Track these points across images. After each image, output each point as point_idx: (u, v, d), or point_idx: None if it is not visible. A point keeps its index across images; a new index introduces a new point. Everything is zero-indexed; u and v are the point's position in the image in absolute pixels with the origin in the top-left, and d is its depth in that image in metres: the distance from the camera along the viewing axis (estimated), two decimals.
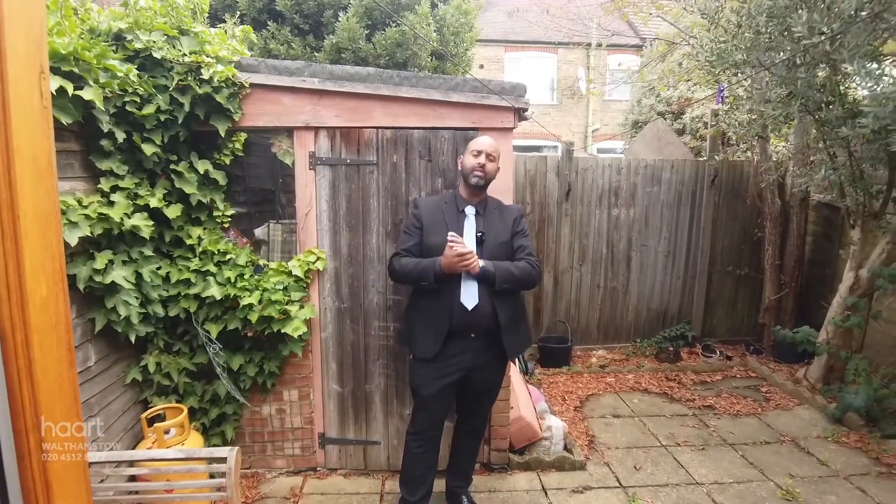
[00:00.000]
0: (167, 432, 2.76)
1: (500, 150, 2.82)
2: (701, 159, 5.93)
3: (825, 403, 4.44)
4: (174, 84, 2.78)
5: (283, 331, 3.04)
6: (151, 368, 2.98)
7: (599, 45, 13.19)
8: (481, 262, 2.60)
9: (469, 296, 2.63)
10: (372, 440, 3.44)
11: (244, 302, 2.96)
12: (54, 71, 2.28)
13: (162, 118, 2.76)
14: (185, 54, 2.82)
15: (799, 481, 3.47)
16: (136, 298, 2.72)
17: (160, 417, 2.91)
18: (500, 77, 16.07)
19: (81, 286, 2.47)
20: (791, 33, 3.78)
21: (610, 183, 5.60)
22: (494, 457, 3.51)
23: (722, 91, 5.35)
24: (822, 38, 3.44)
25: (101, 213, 2.52)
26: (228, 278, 2.99)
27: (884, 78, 3.33)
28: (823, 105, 3.95)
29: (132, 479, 2.59)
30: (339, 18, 6.30)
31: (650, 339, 5.89)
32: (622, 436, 4.10)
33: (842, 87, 3.94)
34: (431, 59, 6.91)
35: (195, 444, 2.90)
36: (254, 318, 2.98)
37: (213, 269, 2.98)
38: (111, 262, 2.59)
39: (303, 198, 3.17)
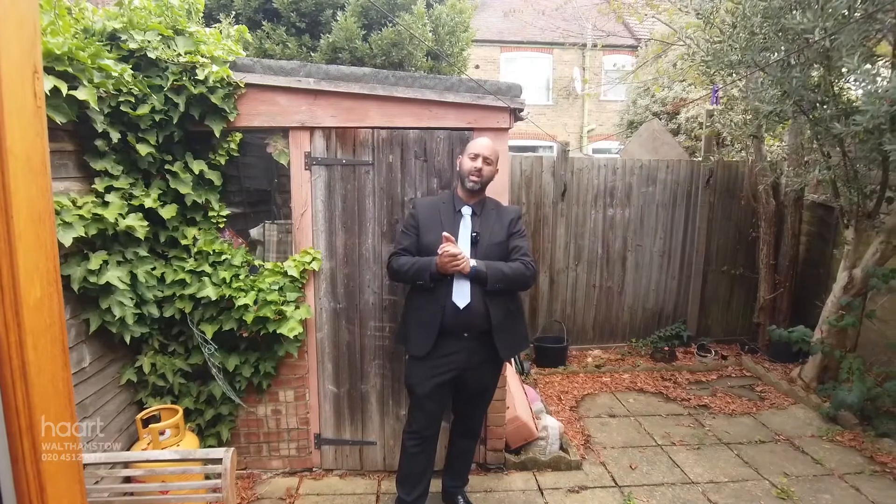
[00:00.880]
0: (162, 433, 2.76)
1: (498, 151, 2.82)
2: (696, 159, 5.95)
3: (820, 402, 4.46)
4: (169, 84, 2.77)
5: (278, 331, 3.03)
6: (146, 369, 2.97)
7: (595, 45, 13.23)
8: (473, 262, 2.61)
9: (461, 295, 2.64)
10: (368, 440, 3.44)
11: (239, 302, 2.95)
12: (48, 71, 2.27)
13: (157, 118, 2.75)
14: (179, 54, 2.81)
15: (794, 480, 3.49)
16: (131, 299, 2.71)
17: (155, 418, 2.91)
18: (495, 77, 16.08)
19: (76, 287, 2.46)
20: (786, 34, 3.80)
21: (605, 183, 5.62)
22: (491, 457, 3.51)
23: (717, 91, 5.37)
24: (819, 36, 3.46)
25: (95, 214, 2.51)
26: (224, 279, 2.98)
27: (878, 78, 3.35)
28: (818, 104, 3.97)
29: (127, 480, 2.59)
30: (337, 18, 6.29)
31: (646, 338, 5.91)
32: (618, 435, 4.11)
33: (836, 87, 3.96)
34: (427, 59, 6.91)
35: (190, 446, 2.89)
36: (249, 318, 2.97)
37: (208, 269, 2.97)
38: (106, 262, 2.58)
39: (298, 198, 3.17)
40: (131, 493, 2.45)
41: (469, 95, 3.13)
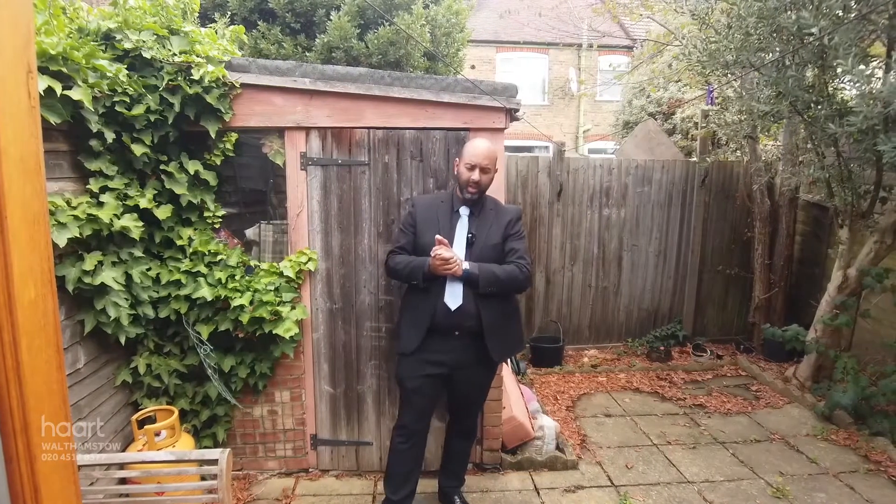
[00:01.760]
0: (158, 434, 2.75)
1: (496, 153, 2.76)
2: (691, 160, 5.97)
3: (815, 401, 4.48)
4: (164, 84, 2.76)
5: (274, 332, 3.03)
6: (142, 370, 2.96)
7: (590, 45, 13.26)
8: (466, 265, 2.60)
9: (453, 297, 2.65)
10: (364, 441, 3.44)
11: (235, 303, 2.95)
12: (42, 70, 2.26)
13: (152, 118, 2.74)
14: (175, 54, 2.81)
15: (789, 479, 3.50)
16: (126, 300, 2.70)
17: (151, 419, 2.90)
18: (491, 77, 16.10)
19: (70, 287, 2.45)
20: (781, 34, 3.81)
21: (601, 183, 5.63)
22: (487, 457, 3.51)
23: (711, 92, 5.39)
24: (814, 37, 3.47)
25: (90, 214, 2.50)
26: (219, 279, 2.97)
27: (872, 79, 3.37)
28: (812, 105, 3.99)
29: (122, 481, 2.58)
30: (331, 17, 6.28)
31: (641, 338, 5.92)
32: (614, 435, 4.12)
33: (830, 88, 3.98)
34: (424, 60, 6.91)
35: (186, 446, 2.88)
36: (245, 319, 2.97)
37: (203, 270, 2.97)
38: (100, 263, 2.58)
39: (294, 198, 3.16)
40: (127, 495, 2.45)
41: (465, 96, 3.13)
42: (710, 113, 5.95)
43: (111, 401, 2.89)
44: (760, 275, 5.70)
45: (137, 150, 2.72)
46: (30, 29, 0.94)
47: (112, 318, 2.63)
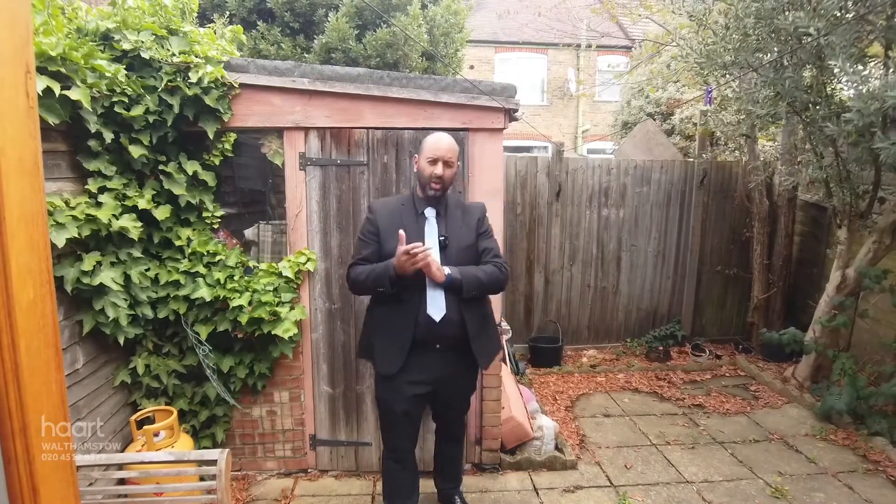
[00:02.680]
0: (157, 435, 2.74)
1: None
2: (690, 160, 5.97)
3: (813, 401, 4.48)
4: (163, 85, 2.76)
5: (273, 332, 3.03)
6: (140, 370, 2.96)
7: (589, 46, 13.25)
8: (447, 269, 2.39)
9: (436, 307, 2.44)
10: (363, 441, 3.44)
11: (234, 303, 2.94)
12: (41, 71, 2.26)
13: (150, 119, 2.75)
14: (173, 54, 2.81)
15: (788, 479, 3.50)
16: (125, 300, 2.70)
17: (149, 420, 2.89)
18: (490, 78, 16.09)
19: (69, 288, 2.45)
20: (778, 35, 3.82)
21: (600, 183, 5.63)
22: (486, 457, 3.51)
23: (710, 92, 5.40)
24: (811, 38, 3.48)
25: (88, 215, 2.50)
26: (218, 280, 2.97)
27: (870, 79, 3.37)
28: (810, 105, 4.00)
29: (121, 482, 2.58)
30: (330, 18, 6.29)
31: (640, 338, 5.93)
32: (613, 435, 4.12)
33: (828, 88, 3.99)
34: (422, 60, 6.91)
35: (185, 447, 2.88)
36: (244, 319, 2.97)
37: (202, 270, 2.96)
38: (99, 263, 2.57)
39: (293, 198, 3.16)
40: (125, 495, 2.45)
41: (464, 96, 3.13)
42: (709, 113, 5.95)
43: (110, 401, 2.89)
44: (759, 275, 5.70)
45: (136, 150, 2.72)
46: (28, 29, 0.94)
47: (111, 319, 2.63)
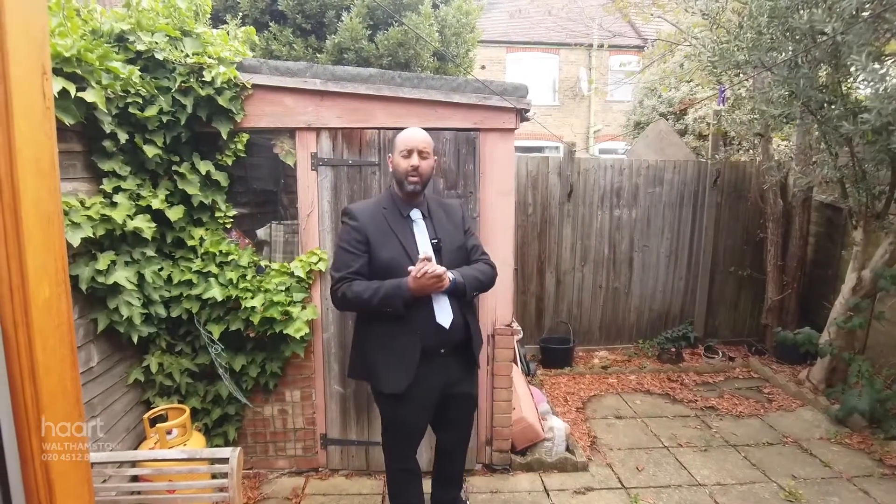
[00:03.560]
0: (169, 433, 2.77)
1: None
2: (703, 160, 5.92)
3: (828, 405, 4.43)
4: (176, 86, 2.78)
5: (285, 332, 3.04)
6: (154, 369, 2.98)
7: (601, 45, 13.19)
8: (450, 275, 2.29)
9: (444, 314, 2.37)
10: (374, 441, 3.44)
11: (246, 303, 2.96)
12: (57, 72, 2.29)
13: (164, 119, 2.77)
14: (187, 56, 2.83)
15: (802, 483, 3.46)
16: (139, 299, 2.73)
17: (162, 418, 2.92)
18: (501, 78, 16.07)
19: (84, 287, 2.48)
20: (793, 33, 3.77)
21: (612, 184, 5.60)
22: (496, 458, 3.50)
23: (723, 92, 5.35)
24: (826, 36, 3.44)
25: (103, 214, 2.52)
26: (230, 279, 2.99)
27: (887, 77, 3.33)
28: (825, 104, 3.95)
29: (134, 479, 2.60)
30: (342, 19, 6.31)
31: (652, 339, 5.89)
32: (624, 437, 4.09)
33: (844, 87, 3.94)
34: (433, 60, 6.92)
35: (197, 445, 2.90)
36: (256, 319, 2.98)
37: (215, 270, 2.98)
38: (113, 262, 2.60)
39: (305, 198, 3.18)
40: (138, 492, 2.46)
41: (475, 96, 3.12)
42: (723, 113, 5.90)
43: (123, 399, 2.92)
44: (773, 276, 5.64)
45: (150, 150, 2.74)
46: (44, 31, 0.95)
47: (125, 318, 2.66)
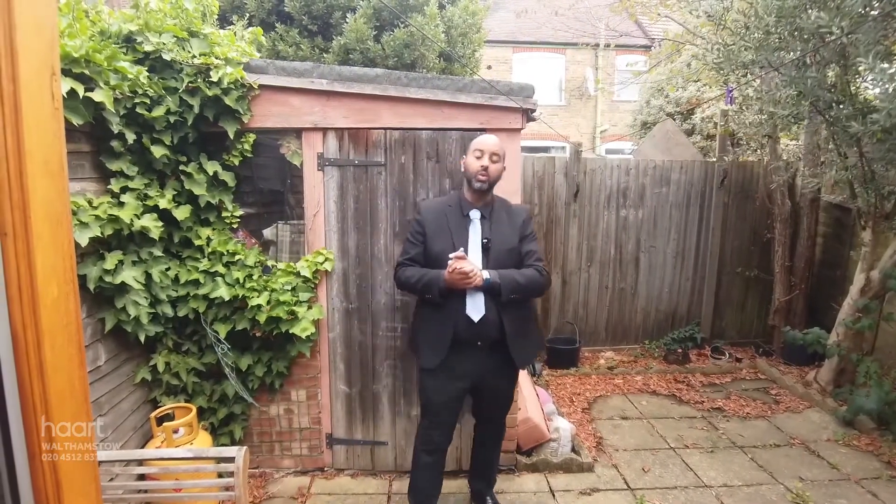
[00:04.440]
0: (176, 432, 2.78)
1: (506, 148, 2.71)
2: (710, 160, 5.90)
3: (836, 406, 4.40)
4: (184, 86, 2.79)
5: (291, 331, 3.05)
6: (160, 368, 2.99)
7: (608, 45, 13.17)
8: (486, 274, 2.49)
9: (475, 308, 2.55)
10: (379, 441, 3.45)
11: (252, 302, 2.97)
12: (65, 73, 2.30)
13: (171, 120, 2.78)
14: (194, 56, 2.84)
15: (809, 484, 3.45)
16: (146, 298, 2.74)
17: (169, 417, 2.93)
18: (508, 78, 16.05)
19: (92, 286, 2.49)
20: (801, 33, 3.75)
21: (618, 184, 5.59)
22: (502, 458, 3.48)
23: (731, 92, 5.32)
24: (834, 36, 3.42)
25: (111, 214, 2.53)
26: (237, 279, 3.00)
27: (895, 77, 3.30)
28: (834, 104, 3.92)
29: (141, 478, 2.61)
30: (347, 19, 6.32)
31: (658, 340, 5.87)
32: (630, 438, 4.08)
33: (852, 87, 3.91)
34: (439, 61, 6.91)
35: (204, 444, 2.91)
36: (262, 318, 2.99)
37: (221, 269, 2.99)
38: (121, 262, 2.61)
39: (311, 199, 3.18)
40: (145, 491, 2.48)
41: (481, 96, 3.12)
42: (730, 113, 5.87)
43: (131, 398, 2.93)
44: (780, 277, 5.61)
45: (157, 151, 2.75)
46: (54, 32, 0.96)
47: (132, 317, 2.67)
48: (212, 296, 2.96)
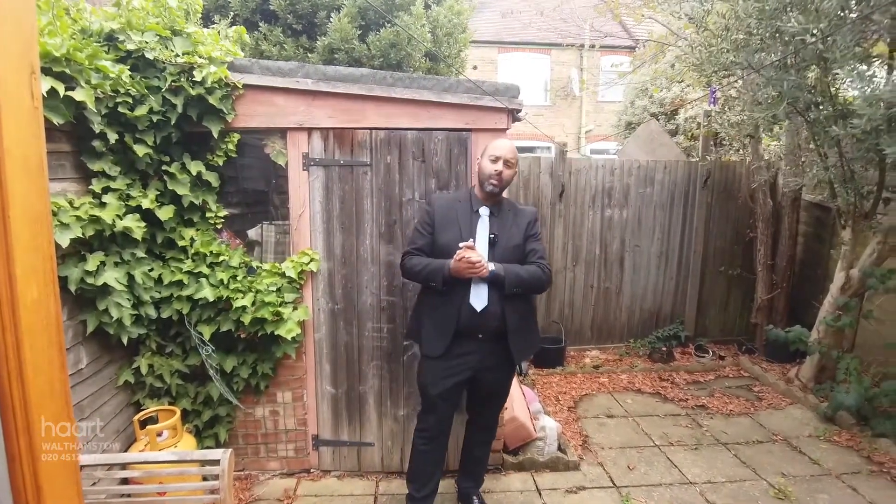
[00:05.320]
0: (160, 434, 2.75)
1: (517, 153, 2.76)
2: (694, 160, 5.96)
3: (817, 402, 4.47)
4: (167, 85, 2.77)
5: (276, 332, 3.03)
6: (144, 370, 2.96)
7: (592, 46, 13.24)
8: (491, 266, 2.57)
9: (479, 298, 2.61)
10: (366, 442, 3.44)
11: (237, 304, 2.95)
12: (45, 71, 2.27)
13: (154, 119, 2.75)
14: (177, 55, 2.81)
15: (791, 480, 3.49)
16: (129, 300, 2.71)
17: (153, 420, 2.90)
18: (493, 78, 16.08)
19: (73, 288, 2.46)
20: (781, 35, 3.80)
21: (603, 184, 5.62)
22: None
23: (714, 92, 5.38)
24: (813, 38, 3.47)
25: (92, 215, 2.50)
26: (221, 280, 2.98)
27: (874, 80, 3.36)
28: (813, 105, 3.98)
29: (124, 481, 2.58)
30: (332, 19, 6.29)
31: (643, 339, 5.91)
32: (616, 436, 4.11)
33: (832, 88, 3.97)
34: (425, 61, 6.91)
35: (188, 447, 2.89)
36: (247, 319, 2.97)
37: (205, 270, 2.97)
38: (103, 263, 2.58)
39: (296, 199, 3.17)
40: (129, 495, 2.46)
41: (467, 96, 3.13)
42: (713, 113, 5.94)
43: (113, 401, 2.90)
44: (763, 275, 5.69)
45: (140, 150, 2.72)
46: (33, 30, 0.94)
47: (114, 319, 2.64)
48: (196, 297, 2.93)
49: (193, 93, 2.81)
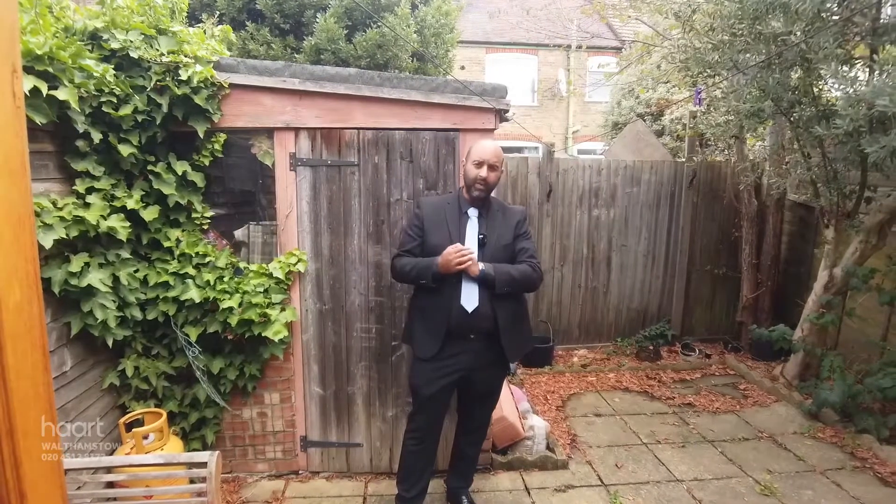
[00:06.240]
0: (146, 437, 2.72)
1: (502, 153, 2.75)
2: (680, 160, 6.01)
3: (801, 400, 4.52)
4: (152, 84, 2.74)
5: (263, 334, 3.01)
6: (129, 373, 2.93)
7: (579, 46, 13.30)
8: (481, 265, 2.58)
9: (469, 298, 2.62)
10: (354, 442, 3.43)
11: (224, 305, 2.93)
12: (28, 70, 2.24)
13: (139, 119, 2.72)
14: (162, 54, 2.79)
15: (777, 476, 3.53)
16: (113, 301, 2.68)
17: (139, 422, 2.87)
18: (481, 78, 16.10)
19: (56, 289, 2.43)
20: (765, 37, 3.84)
21: (590, 184, 5.65)
22: None
23: (699, 93, 5.43)
24: (795, 39, 3.51)
25: (76, 215, 2.48)
26: (208, 281, 2.95)
27: (856, 81, 3.40)
28: (796, 105, 4.03)
29: (110, 485, 2.56)
30: (319, 19, 6.27)
31: (631, 338, 5.95)
32: (604, 434, 4.13)
33: (815, 89, 4.02)
34: (412, 61, 6.91)
35: (175, 449, 2.86)
36: (234, 321, 2.95)
37: (191, 271, 2.95)
38: (87, 264, 2.55)
39: (283, 199, 3.15)
40: (114, 499, 2.43)
41: (454, 96, 3.13)
42: (698, 114, 5.99)
43: (98, 404, 2.87)
44: (748, 274, 5.75)
45: (124, 150, 2.70)
46: (15, 28, 0.93)
47: (99, 321, 2.61)
48: (182, 298, 2.91)
49: (179, 92, 2.78)
